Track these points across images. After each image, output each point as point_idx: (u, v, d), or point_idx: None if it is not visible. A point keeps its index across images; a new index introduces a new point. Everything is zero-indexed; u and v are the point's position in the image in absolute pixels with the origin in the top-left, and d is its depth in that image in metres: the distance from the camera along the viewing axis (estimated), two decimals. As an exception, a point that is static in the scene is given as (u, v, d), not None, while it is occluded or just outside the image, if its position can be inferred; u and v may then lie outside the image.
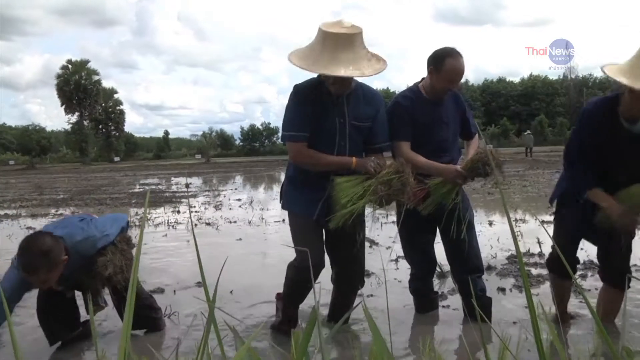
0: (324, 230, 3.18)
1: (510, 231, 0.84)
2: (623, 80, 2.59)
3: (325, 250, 3.21)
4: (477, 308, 1.23)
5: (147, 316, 3.34)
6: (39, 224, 9.01)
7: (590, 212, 2.93)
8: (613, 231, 2.88)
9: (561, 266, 3.04)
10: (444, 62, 3.09)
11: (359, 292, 3.56)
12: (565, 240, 3.11)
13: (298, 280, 3.14)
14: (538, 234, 5.77)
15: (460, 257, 3.31)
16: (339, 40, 2.80)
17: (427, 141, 3.20)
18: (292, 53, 2.93)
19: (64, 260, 2.82)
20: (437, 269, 3.93)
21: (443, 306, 3.68)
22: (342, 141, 3.03)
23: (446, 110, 3.28)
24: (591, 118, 2.92)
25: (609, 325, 3.05)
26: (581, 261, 3.75)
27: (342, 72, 2.78)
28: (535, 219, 7.34)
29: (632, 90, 2.61)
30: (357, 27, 2.87)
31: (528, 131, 40.91)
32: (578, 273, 4.14)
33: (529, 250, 5.18)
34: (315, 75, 3.03)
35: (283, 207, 3.28)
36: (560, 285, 3.22)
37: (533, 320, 0.87)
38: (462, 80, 3.30)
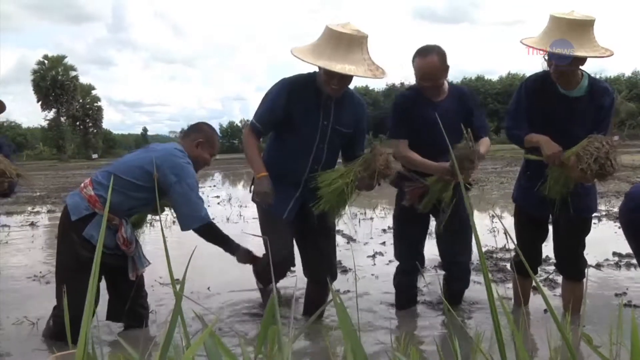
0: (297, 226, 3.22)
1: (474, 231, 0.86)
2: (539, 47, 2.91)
3: (294, 246, 3.24)
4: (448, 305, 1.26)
5: (141, 314, 3.29)
6: (14, 221, 8.89)
7: (536, 184, 3.08)
8: (561, 197, 3.01)
9: (522, 266, 3.17)
10: (414, 61, 3.13)
11: (336, 287, 3.58)
12: (524, 236, 3.31)
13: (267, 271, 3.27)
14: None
15: (450, 256, 3.43)
16: (348, 41, 2.79)
17: (423, 142, 3.18)
18: (295, 48, 2.89)
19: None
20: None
21: (419, 302, 3.72)
22: (321, 144, 3.05)
23: (446, 111, 3.15)
24: (530, 88, 3.13)
25: (575, 317, 3.11)
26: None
27: (361, 71, 2.78)
28: (512, 215, 7.44)
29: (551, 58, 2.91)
30: (364, 32, 2.86)
31: None
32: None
33: (504, 246, 5.25)
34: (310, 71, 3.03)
35: (252, 200, 3.22)
36: (522, 284, 3.36)
37: (493, 313, 0.89)
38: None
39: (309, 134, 3.03)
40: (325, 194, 2.94)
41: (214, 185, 16.37)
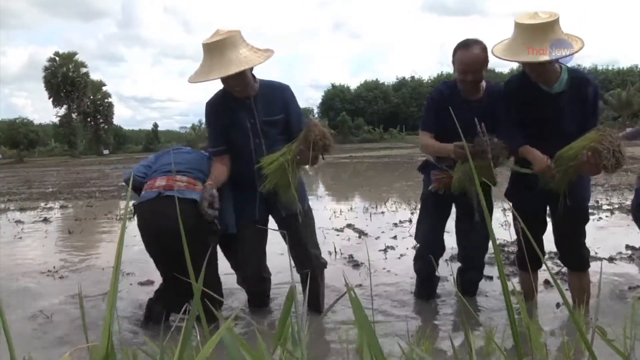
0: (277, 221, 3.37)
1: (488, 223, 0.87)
2: (508, 58, 2.89)
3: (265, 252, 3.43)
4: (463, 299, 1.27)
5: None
6: (27, 217, 8.97)
7: (532, 182, 3.04)
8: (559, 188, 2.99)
9: (524, 261, 3.16)
10: (456, 53, 3.10)
11: (349, 281, 3.58)
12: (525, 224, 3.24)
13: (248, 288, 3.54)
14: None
15: (465, 251, 3.48)
16: (218, 48, 2.99)
17: (454, 139, 3.07)
18: (190, 76, 3.09)
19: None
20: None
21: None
22: (257, 139, 3.20)
23: (480, 111, 3.09)
24: (512, 88, 3.12)
25: (583, 308, 3.10)
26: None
27: (234, 69, 2.93)
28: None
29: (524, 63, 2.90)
30: (233, 31, 3.08)
31: None
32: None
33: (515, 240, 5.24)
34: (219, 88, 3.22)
35: None
36: (527, 278, 3.35)
37: (508, 307, 0.89)
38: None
39: (243, 137, 3.21)
40: (269, 174, 3.07)
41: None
